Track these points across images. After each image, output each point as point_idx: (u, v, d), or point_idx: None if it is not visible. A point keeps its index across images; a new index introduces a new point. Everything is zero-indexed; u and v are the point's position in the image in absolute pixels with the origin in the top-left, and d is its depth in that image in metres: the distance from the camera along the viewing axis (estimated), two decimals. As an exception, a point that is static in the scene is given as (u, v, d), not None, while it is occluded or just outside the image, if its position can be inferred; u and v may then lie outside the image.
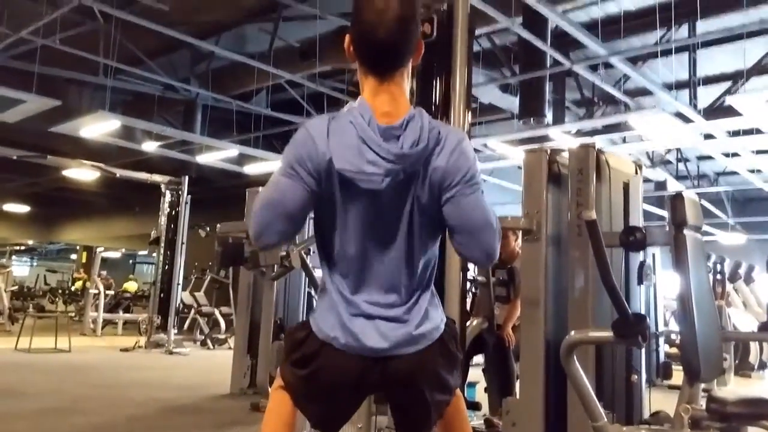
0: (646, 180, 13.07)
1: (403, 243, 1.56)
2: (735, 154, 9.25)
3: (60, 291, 20.10)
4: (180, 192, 8.46)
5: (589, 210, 2.36)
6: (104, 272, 15.35)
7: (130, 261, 24.38)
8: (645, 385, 3.29)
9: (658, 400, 3.32)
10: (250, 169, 11.47)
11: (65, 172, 11.86)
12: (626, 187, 3.33)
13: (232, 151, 10.21)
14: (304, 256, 4.19)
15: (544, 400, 3.10)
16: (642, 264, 2.98)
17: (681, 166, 11.42)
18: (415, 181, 1.51)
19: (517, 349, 3.66)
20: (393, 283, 1.57)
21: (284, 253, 3.96)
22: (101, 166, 8.10)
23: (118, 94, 9.03)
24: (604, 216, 3.16)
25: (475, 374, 4.22)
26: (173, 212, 8.58)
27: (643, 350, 3.26)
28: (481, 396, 4.07)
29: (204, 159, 10.74)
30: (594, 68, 7.07)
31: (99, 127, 8.51)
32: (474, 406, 3.70)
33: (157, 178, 8.41)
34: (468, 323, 3.94)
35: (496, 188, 13.79)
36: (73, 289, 20.28)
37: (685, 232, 2.67)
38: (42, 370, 5.75)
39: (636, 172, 3.44)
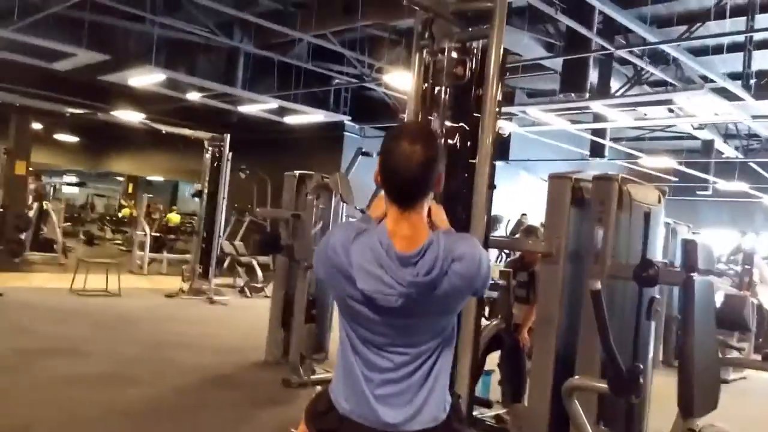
0: (692, 138, 12.89)
1: (412, 341, 1.80)
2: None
3: (108, 218, 21.04)
4: (222, 148, 8.75)
5: (594, 280, 2.54)
6: (150, 195, 16.02)
7: (173, 191, 25.08)
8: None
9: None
10: (290, 119, 11.70)
11: (113, 113, 12.30)
12: (647, 217, 3.47)
13: (272, 104, 10.43)
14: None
15: (549, 411, 3.37)
16: (652, 300, 3.16)
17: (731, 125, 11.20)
18: (432, 293, 1.74)
19: (531, 351, 3.92)
20: (402, 369, 1.83)
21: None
22: (148, 123, 8.40)
23: (164, 44, 9.24)
24: (622, 246, 3.32)
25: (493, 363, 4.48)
26: (215, 166, 8.88)
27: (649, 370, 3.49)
28: (494, 387, 4.35)
29: (245, 109, 10.99)
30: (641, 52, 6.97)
31: (145, 78, 8.80)
32: (485, 403, 4.01)
33: (200, 134, 8.69)
34: (486, 324, 4.22)
35: (542, 145, 13.75)
36: (120, 215, 21.21)
37: (695, 277, 2.84)
38: (96, 323, 6.25)
39: (659, 201, 3.56)
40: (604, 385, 2.54)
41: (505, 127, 11.86)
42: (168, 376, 4.47)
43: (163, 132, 8.23)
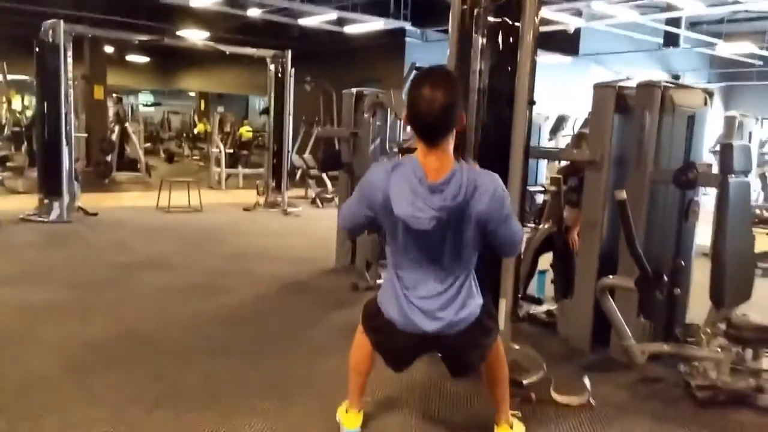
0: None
1: (447, 259, 2.12)
2: None
3: (184, 135, 21.94)
4: (284, 64, 8.97)
5: (620, 191, 2.71)
6: (220, 111, 16.59)
7: (245, 105, 25.64)
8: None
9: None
10: (350, 29, 11.71)
11: (180, 33, 12.64)
12: (691, 121, 3.52)
13: (332, 14, 10.48)
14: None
15: (593, 306, 3.63)
16: (690, 202, 3.29)
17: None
18: (456, 219, 2.02)
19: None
20: (438, 285, 2.16)
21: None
22: (210, 43, 8.68)
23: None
24: (664, 152, 3.43)
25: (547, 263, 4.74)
26: (279, 81, 9.15)
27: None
28: (548, 285, 4.63)
29: (306, 22, 11.08)
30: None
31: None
32: (537, 301, 4.31)
33: (262, 52, 8.91)
34: (540, 226, 4.44)
35: (613, 37, 13.20)
36: (195, 132, 22.09)
37: (731, 179, 2.96)
38: (182, 238, 6.87)
39: (705, 103, 3.59)
40: (632, 285, 2.77)
41: (570, 22, 11.46)
42: (248, 285, 4.98)
43: (227, 53, 8.49)
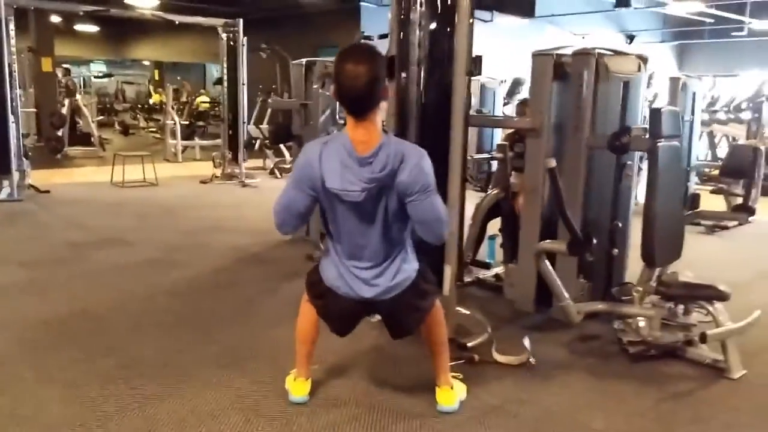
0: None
1: (379, 228, 2.21)
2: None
3: (140, 106, 21.48)
4: (236, 34, 8.84)
5: (549, 159, 2.81)
6: (175, 83, 16.20)
7: (202, 74, 25.12)
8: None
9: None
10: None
11: (128, 1, 12.29)
12: (626, 86, 3.64)
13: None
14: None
15: (536, 269, 3.78)
16: (622, 166, 3.42)
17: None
18: (386, 190, 2.11)
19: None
20: (372, 254, 2.25)
21: (327, 133, 4.55)
22: (160, 14, 8.50)
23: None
24: (600, 118, 3.55)
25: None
26: (232, 50, 9.03)
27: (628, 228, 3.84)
28: (499, 250, 4.77)
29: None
30: None
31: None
32: (485, 265, 4.45)
33: (213, 21, 8.77)
34: (487, 193, 4.56)
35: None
36: (151, 103, 21.63)
37: (661, 143, 3.09)
38: (138, 213, 6.82)
39: (639, 69, 3.71)
40: (563, 248, 2.90)
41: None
42: (206, 258, 5.01)
43: (176, 23, 8.34)
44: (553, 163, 2.76)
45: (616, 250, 3.73)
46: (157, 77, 24.22)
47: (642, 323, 3.18)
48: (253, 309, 3.91)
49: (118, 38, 21.29)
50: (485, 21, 13.40)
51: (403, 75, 3.31)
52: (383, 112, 2.20)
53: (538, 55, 3.68)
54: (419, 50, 3.27)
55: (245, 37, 8.94)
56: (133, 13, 8.47)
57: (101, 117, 16.95)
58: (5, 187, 7.42)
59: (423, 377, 2.87)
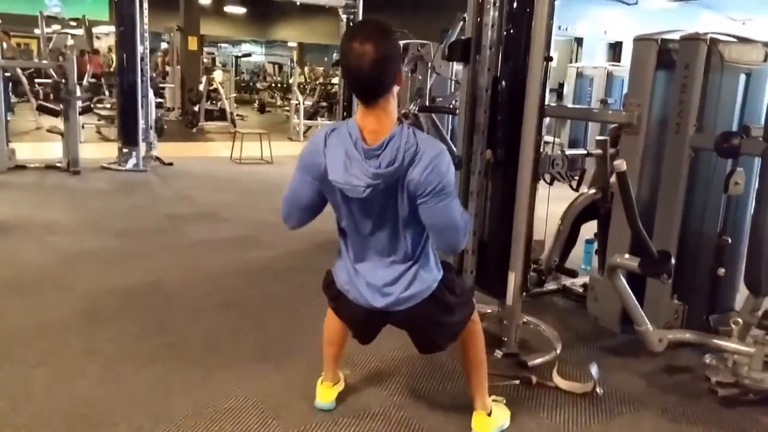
0: None
1: (389, 230, 1.95)
2: None
3: (278, 85, 22.29)
4: (356, 15, 8.76)
5: (620, 161, 2.38)
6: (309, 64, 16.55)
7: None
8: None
9: None
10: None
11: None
12: (747, 79, 3.06)
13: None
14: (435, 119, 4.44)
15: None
16: (731, 172, 2.88)
17: None
18: (395, 187, 1.84)
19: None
20: (384, 258, 2.00)
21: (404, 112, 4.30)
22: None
23: None
24: (709, 114, 3.02)
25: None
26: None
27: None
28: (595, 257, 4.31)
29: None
30: None
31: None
32: (571, 273, 4.01)
33: (333, 2, 8.75)
34: (581, 193, 4.11)
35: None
36: (291, 82, 22.36)
37: (777, 148, 2.56)
38: (243, 190, 6.99)
39: (765, 59, 3.10)
40: (635, 265, 2.47)
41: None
42: (289, 240, 4.96)
43: (298, 3, 8.42)
44: (623, 165, 2.34)
45: (722, 270, 3.18)
46: (296, 57, 25.00)
47: (739, 361, 2.68)
48: (314, 299, 3.78)
49: (264, 19, 22.20)
50: (628, 4, 12.41)
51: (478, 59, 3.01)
52: (395, 97, 1.91)
53: (639, 40, 3.19)
54: (494, 31, 2.95)
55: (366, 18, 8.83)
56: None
57: (239, 94, 17.71)
58: (132, 158, 7.90)
59: (468, 395, 2.60)
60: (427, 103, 4.55)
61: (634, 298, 2.71)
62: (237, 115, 14.73)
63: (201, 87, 12.46)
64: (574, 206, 4.10)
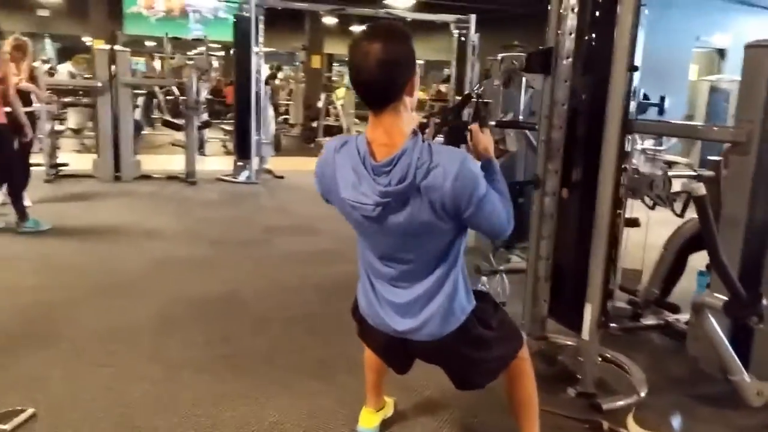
0: None
1: (412, 252, 1.77)
2: None
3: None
4: (468, 31, 8.64)
5: (698, 184, 2.05)
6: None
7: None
8: None
9: None
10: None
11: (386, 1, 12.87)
12: None
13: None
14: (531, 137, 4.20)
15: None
16: None
17: None
18: (412, 204, 1.67)
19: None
20: (405, 282, 1.82)
21: (500, 137, 4.09)
22: (391, 13, 8.67)
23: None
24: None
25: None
26: (461, 48, 8.86)
27: None
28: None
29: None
30: None
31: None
32: (673, 308, 3.60)
33: (444, 17, 8.69)
34: (687, 219, 3.70)
35: None
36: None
37: None
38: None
39: None
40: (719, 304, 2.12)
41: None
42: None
43: (408, 19, 8.42)
44: (701, 190, 2.01)
45: (756, 323, 2.70)
46: (423, 74, 25.16)
47: None
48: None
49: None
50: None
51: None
52: (409, 108, 1.70)
53: (752, 47, 2.80)
54: (571, 40, 2.71)
55: (477, 34, 8.68)
56: (363, 11, 8.72)
57: (353, 111, 18.01)
58: (245, 171, 8.22)
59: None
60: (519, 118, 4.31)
61: (725, 341, 2.35)
62: (356, 131, 15.00)
63: (320, 104, 12.81)
64: (680, 233, 3.71)
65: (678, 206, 3.59)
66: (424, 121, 2.11)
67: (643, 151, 9.57)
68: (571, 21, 2.70)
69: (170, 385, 2.73)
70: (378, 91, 1.65)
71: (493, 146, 1.99)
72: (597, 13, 2.64)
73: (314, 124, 12.75)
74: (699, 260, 3.67)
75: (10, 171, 5.04)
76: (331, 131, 13.19)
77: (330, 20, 18.03)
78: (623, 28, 2.49)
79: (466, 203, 1.65)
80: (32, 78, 5.87)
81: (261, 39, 8.12)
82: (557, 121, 2.81)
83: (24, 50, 5.69)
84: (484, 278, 3.90)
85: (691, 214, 3.63)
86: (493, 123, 3.73)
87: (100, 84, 7.41)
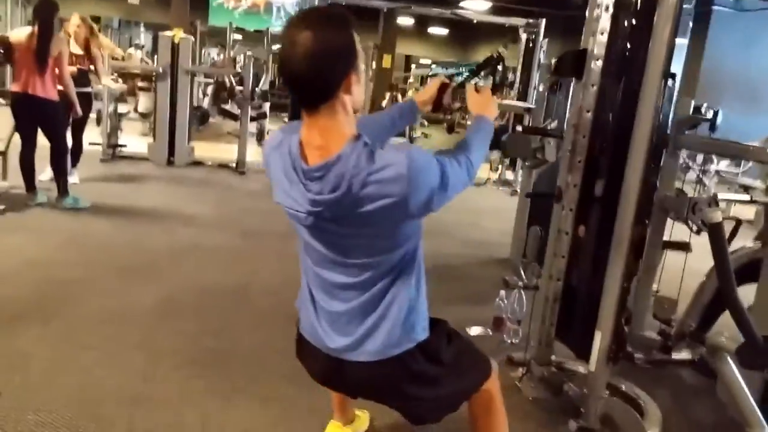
0: None
1: (347, 259, 1.56)
2: None
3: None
4: (537, 35, 8.30)
5: (713, 209, 1.75)
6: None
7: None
8: None
9: None
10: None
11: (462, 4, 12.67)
12: None
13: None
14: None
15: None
16: None
17: None
18: (350, 216, 1.44)
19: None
20: (342, 297, 1.61)
21: (538, 145, 3.83)
22: (460, 14, 8.43)
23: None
24: None
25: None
26: (529, 52, 8.53)
27: None
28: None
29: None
30: None
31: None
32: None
33: (514, 21, 8.39)
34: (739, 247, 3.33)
35: None
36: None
37: None
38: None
39: None
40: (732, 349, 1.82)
41: None
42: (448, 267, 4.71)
43: (474, 21, 8.17)
44: (717, 216, 1.72)
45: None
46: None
47: None
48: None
49: (464, 41, 22.28)
50: None
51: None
52: (348, 108, 1.45)
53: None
54: (602, 41, 2.45)
55: (545, 39, 8.33)
56: (431, 10, 8.53)
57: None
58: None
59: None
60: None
61: (745, 388, 2.03)
62: (422, 133, 14.86)
63: (384, 103, 12.73)
64: (728, 261, 3.33)
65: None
66: (447, 81, 1.90)
67: (717, 173, 8.94)
68: (605, 21, 2.44)
69: (146, 375, 2.65)
70: (307, 88, 1.41)
71: (493, 107, 1.80)
72: (633, 12, 2.37)
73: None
74: (750, 294, 3.32)
75: (58, 146, 5.15)
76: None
77: (406, 21, 17.91)
78: (661, 27, 2.21)
79: (426, 197, 1.43)
80: (92, 58, 6.02)
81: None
82: (582, 129, 2.54)
83: (86, 29, 5.87)
84: (502, 292, 3.65)
85: (742, 241, 3.29)
86: (519, 129, 3.49)
87: (160, 70, 7.55)
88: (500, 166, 8.82)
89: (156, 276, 3.86)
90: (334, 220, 1.46)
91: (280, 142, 1.54)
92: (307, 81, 1.40)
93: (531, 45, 8.46)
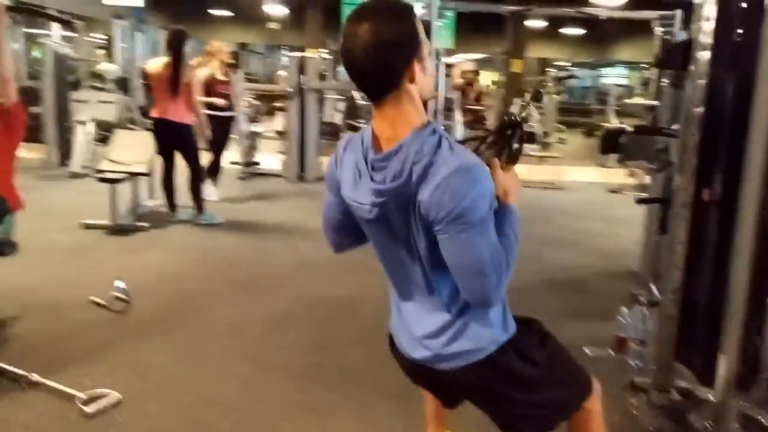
0: None
1: (424, 264, 1.51)
2: None
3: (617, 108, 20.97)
4: (672, 27, 7.70)
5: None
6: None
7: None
8: None
9: None
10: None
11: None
12: None
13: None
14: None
15: None
16: None
17: None
18: (411, 208, 1.41)
19: None
20: (420, 300, 1.57)
21: (662, 146, 3.53)
22: (585, 11, 8.03)
23: None
24: None
25: None
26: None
27: None
28: None
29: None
30: None
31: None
32: None
33: (645, 14, 7.83)
34: None
35: None
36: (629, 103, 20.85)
37: None
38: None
39: None
40: None
41: None
42: (529, 272, 4.53)
43: (601, 17, 7.76)
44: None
45: None
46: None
47: None
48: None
49: (600, 40, 21.26)
50: None
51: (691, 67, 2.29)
52: (414, 97, 1.39)
53: None
54: (709, 29, 2.20)
55: (684, 32, 7.70)
56: (556, 10, 8.20)
57: (557, 117, 17.12)
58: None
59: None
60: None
61: None
62: (558, 139, 14.32)
63: (513, 109, 12.44)
64: None
65: None
66: (483, 135, 1.74)
67: None
68: (710, 6, 2.20)
69: (252, 386, 2.76)
70: (369, 81, 1.40)
71: (516, 188, 1.61)
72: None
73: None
74: None
75: (192, 167, 5.55)
76: (528, 137, 12.74)
77: (537, 23, 17.43)
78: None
79: (442, 217, 1.34)
80: (226, 83, 6.46)
81: (449, 43, 8.07)
82: (692, 126, 2.30)
83: (214, 55, 6.32)
84: (624, 309, 3.38)
85: None
86: (630, 129, 3.23)
87: (290, 89, 7.91)
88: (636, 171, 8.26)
89: (273, 289, 4.02)
90: (401, 214, 1.43)
91: (352, 137, 1.54)
92: (368, 74, 1.38)
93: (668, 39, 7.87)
